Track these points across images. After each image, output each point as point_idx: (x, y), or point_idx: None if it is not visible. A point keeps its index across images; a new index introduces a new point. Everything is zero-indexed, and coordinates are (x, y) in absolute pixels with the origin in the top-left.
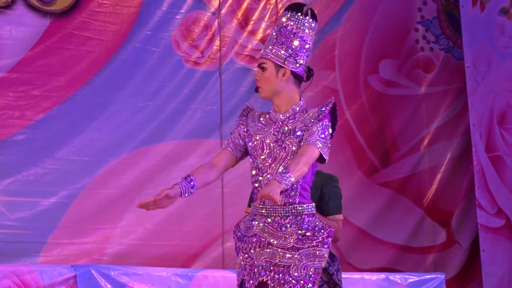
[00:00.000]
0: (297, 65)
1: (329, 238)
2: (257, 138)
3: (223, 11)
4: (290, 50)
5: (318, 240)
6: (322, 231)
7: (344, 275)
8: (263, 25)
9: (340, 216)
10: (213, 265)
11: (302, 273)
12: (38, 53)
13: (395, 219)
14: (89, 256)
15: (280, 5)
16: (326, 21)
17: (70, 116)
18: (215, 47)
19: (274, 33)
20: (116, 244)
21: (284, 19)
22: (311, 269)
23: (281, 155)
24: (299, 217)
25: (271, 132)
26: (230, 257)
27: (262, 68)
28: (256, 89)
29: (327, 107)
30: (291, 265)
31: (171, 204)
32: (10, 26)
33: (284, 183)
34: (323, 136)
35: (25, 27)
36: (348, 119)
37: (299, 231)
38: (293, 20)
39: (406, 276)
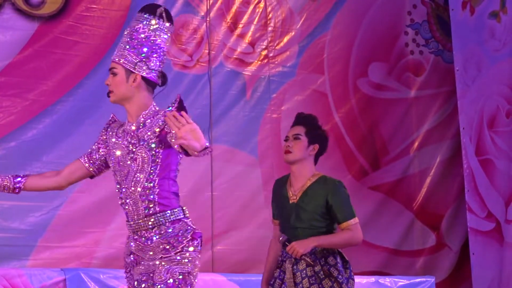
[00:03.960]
0: (149, 70)
1: (195, 240)
2: (115, 152)
3: (212, 15)
4: (142, 55)
5: (182, 245)
6: (186, 234)
7: None
8: (252, 29)
9: (353, 221)
10: (202, 269)
11: (165, 277)
12: (26, 57)
13: (385, 223)
14: (79, 259)
15: (269, 8)
16: (315, 25)
17: (58, 120)
18: (204, 51)
19: (126, 37)
20: (105, 248)
21: (136, 22)
22: (176, 273)
23: (132, 167)
24: (163, 226)
25: (124, 144)
26: (219, 260)
27: (113, 73)
28: (108, 94)
29: (174, 106)
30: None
31: None
32: None
33: None
34: None
35: (13, 31)
36: (337, 123)
37: (164, 241)
38: (145, 23)
39: (396, 280)
